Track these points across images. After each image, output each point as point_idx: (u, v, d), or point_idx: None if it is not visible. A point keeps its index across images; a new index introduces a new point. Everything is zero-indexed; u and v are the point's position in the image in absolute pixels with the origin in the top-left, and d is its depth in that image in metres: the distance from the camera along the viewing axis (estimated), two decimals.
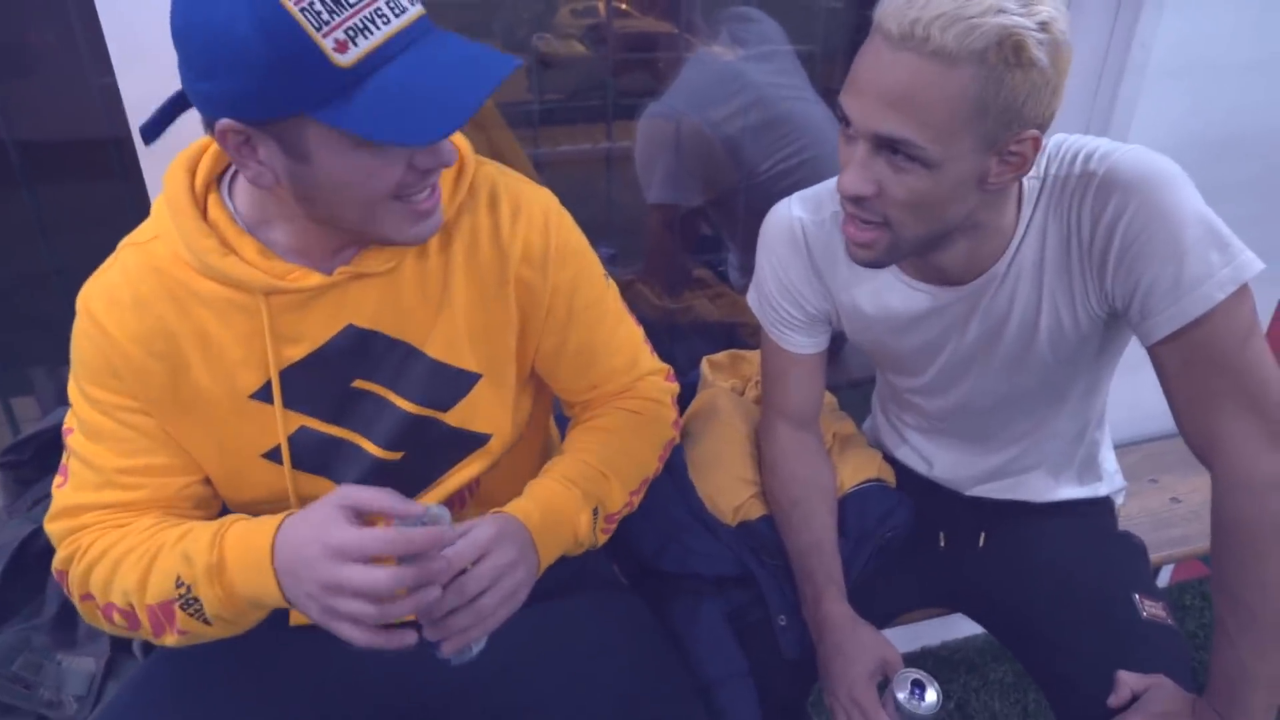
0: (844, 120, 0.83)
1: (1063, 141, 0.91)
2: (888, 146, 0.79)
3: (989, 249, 0.93)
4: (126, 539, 0.83)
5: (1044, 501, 1.16)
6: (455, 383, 0.91)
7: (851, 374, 1.59)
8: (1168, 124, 1.35)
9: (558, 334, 0.95)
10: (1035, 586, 1.10)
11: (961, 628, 1.87)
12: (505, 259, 0.89)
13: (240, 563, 0.76)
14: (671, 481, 1.14)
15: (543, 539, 0.87)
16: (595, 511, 0.93)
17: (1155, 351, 0.88)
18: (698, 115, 1.52)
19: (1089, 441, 1.14)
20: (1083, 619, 1.04)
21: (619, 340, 1.01)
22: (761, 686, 1.05)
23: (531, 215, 0.91)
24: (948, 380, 1.06)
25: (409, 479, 0.95)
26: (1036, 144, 0.80)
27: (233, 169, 0.84)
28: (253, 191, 0.81)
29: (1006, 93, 0.75)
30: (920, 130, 0.77)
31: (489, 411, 0.95)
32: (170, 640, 0.81)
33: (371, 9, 0.67)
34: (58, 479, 0.87)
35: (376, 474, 0.93)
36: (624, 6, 1.50)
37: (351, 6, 0.66)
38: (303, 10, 0.65)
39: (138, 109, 1.03)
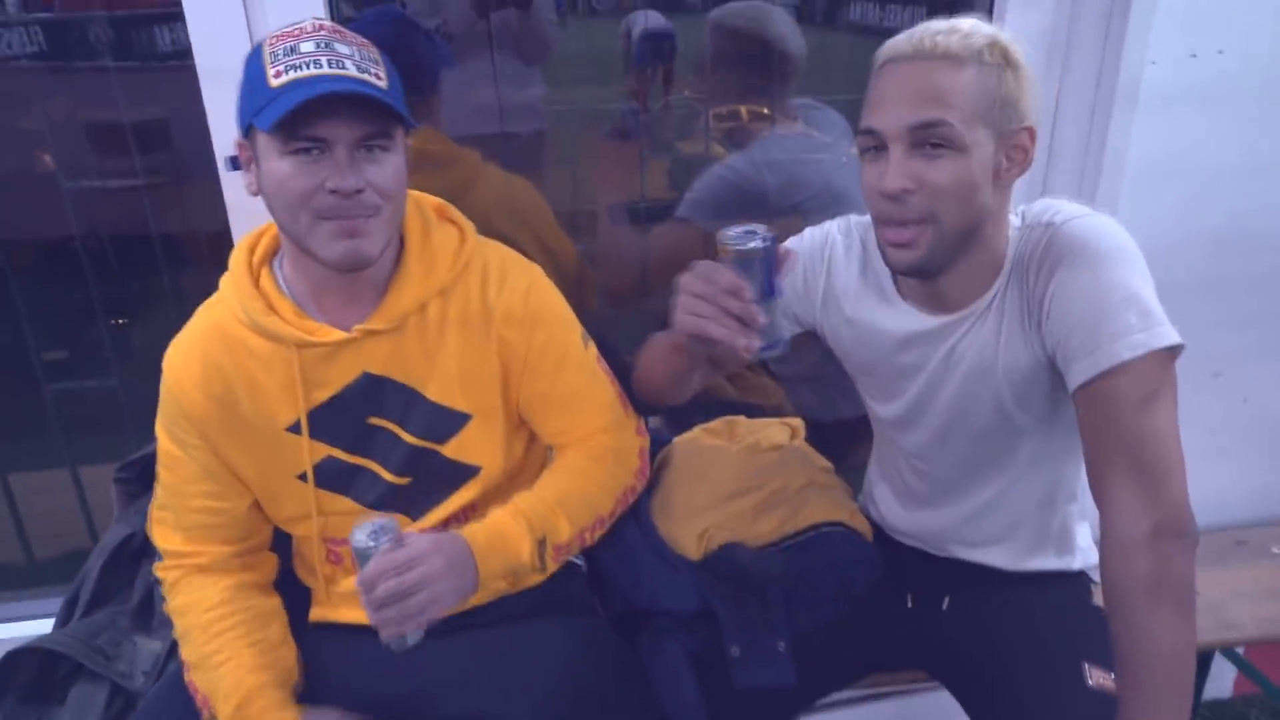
0: (869, 145, 0.96)
1: (1048, 204, 1.02)
2: (921, 141, 0.92)
3: (982, 276, 1.03)
4: (195, 613, 1.08)
5: (1015, 570, 1.19)
6: (449, 420, 1.10)
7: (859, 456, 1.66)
8: (1155, 220, 1.41)
9: (534, 384, 1.13)
10: (992, 652, 1.13)
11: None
12: (490, 318, 1.09)
13: None
14: (637, 525, 1.25)
15: (484, 557, 1.03)
16: (542, 542, 1.07)
17: (1074, 400, 0.95)
18: (772, 180, 1.65)
19: (1062, 513, 1.17)
20: (1027, 685, 1.06)
21: (590, 393, 1.17)
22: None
23: (515, 285, 1.10)
24: (920, 408, 1.13)
25: (414, 501, 1.14)
26: (1033, 135, 0.95)
27: (281, 249, 1.08)
28: (288, 258, 1.05)
29: (1005, 87, 0.92)
30: (949, 112, 0.90)
31: (479, 447, 1.12)
32: None
33: (311, 59, 0.92)
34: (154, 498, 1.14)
35: (388, 496, 1.12)
36: (765, 112, 1.69)
37: (299, 54, 0.92)
38: (271, 54, 0.93)
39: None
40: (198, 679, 1.05)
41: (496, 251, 1.14)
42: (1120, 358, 0.89)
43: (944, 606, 1.22)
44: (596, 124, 1.80)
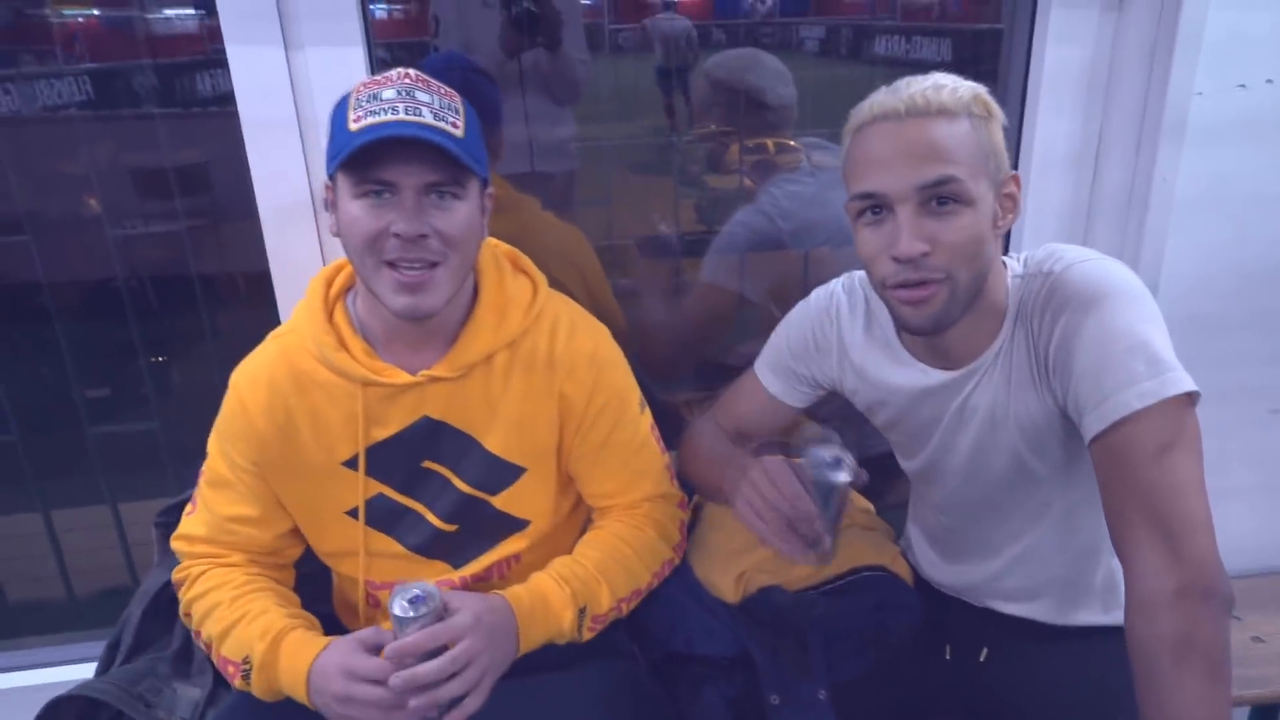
0: (868, 208, 0.94)
1: (1049, 250, 0.99)
2: (930, 199, 0.90)
3: (983, 330, 1.01)
4: (223, 590, 1.06)
5: (1058, 624, 1.15)
6: (504, 472, 1.10)
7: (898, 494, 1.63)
8: (1205, 253, 1.37)
9: (586, 443, 1.12)
10: (1030, 707, 1.10)
11: None
12: (553, 371, 1.08)
13: (287, 670, 0.99)
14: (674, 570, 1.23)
15: (526, 625, 1.02)
16: (583, 611, 1.07)
17: (1090, 454, 0.92)
18: (785, 227, 1.66)
19: (1107, 566, 1.14)
20: None
21: (640, 460, 1.16)
22: None
23: (582, 342, 1.10)
24: (940, 462, 1.12)
25: (459, 548, 1.13)
26: (1018, 182, 0.97)
27: (357, 285, 1.08)
28: (361, 296, 1.06)
29: (992, 138, 0.93)
30: (957, 168, 0.89)
31: (530, 501, 1.12)
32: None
33: (390, 106, 0.93)
34: (189, 506, 1.14)
35: (434, 541, 1.12)
36: (791, 143, 1.70)
37: (380, 101, 0.93)
38: (355, 100, 0.94)
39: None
40: (226, 649, 1.04)
41: (566, 307, 1.13)
42: (1130, 408, 0.86)
43: (981, 658, 1.18)
44: (627, 159, 1.81)
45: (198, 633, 1.08)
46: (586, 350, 1.10)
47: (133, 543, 1.82)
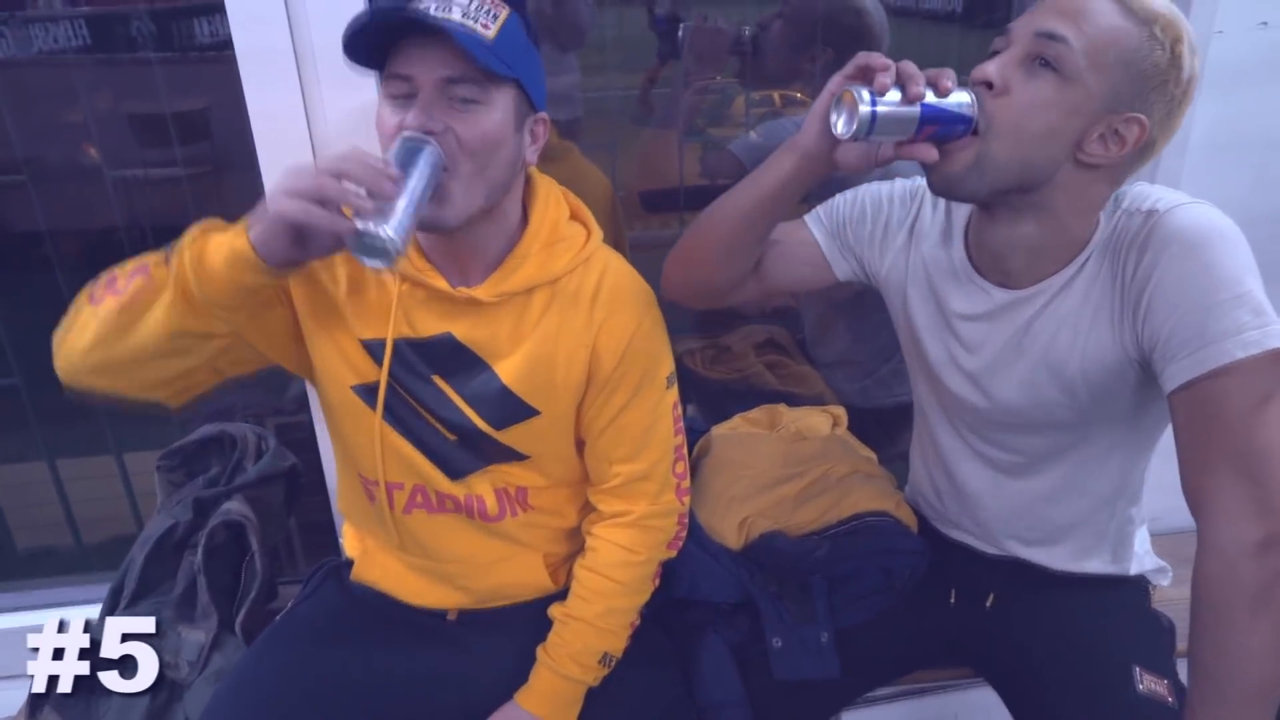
0: (1002, 47, 0.91)
1: (1145, 190, 0.96)
2: (1035, 55, 0.88)
3: (1054, 256, 0.97)
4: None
5: (1066, 571, 1.15)
6: (515, 410, 1.06)
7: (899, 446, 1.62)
8: (1221, 198, 1.32)
9: (604, 408, 1.08)
10: (1038, 650, 1.10)
11: None
12: (590, 325, 1.05)
13: (228, 234, 0.87)
14: None
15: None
16: (604, 657, 1.09)
17: (1171, 401, 0.89)
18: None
19: (1121, 516, 1.13)
20: (1072, 685, 1.03)
21: (651, 433, 1.11)
22: (761, 714, 1.11)
23: (625, 301, 1.06)
24: (979, 389, 1.08)
25: (461, 456, 1.09)
26: (1142, 130, 0.89)
27: None
28: None
29: (1148, 66, 0.87)
30: (1078, 36, 0.86)
31: (536, 442, 1.09)
32: (114, 300, 0.90)
33: (428, 5, 0.90)
34: None
35: (437, 441, 1.08)
36: (800, 95, 1.66)
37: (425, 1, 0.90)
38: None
39: None
40: (137, 260, 0.92)
41: (617, 261, 1.10)
42: (1231, 356, 0.83)
43: (987, 604, 1.18)
44: (630, 111, 1.78)
45: (109, 281, 0.94)
46: (629, 309, 1.06)
47: (138, 492, 1.83)
